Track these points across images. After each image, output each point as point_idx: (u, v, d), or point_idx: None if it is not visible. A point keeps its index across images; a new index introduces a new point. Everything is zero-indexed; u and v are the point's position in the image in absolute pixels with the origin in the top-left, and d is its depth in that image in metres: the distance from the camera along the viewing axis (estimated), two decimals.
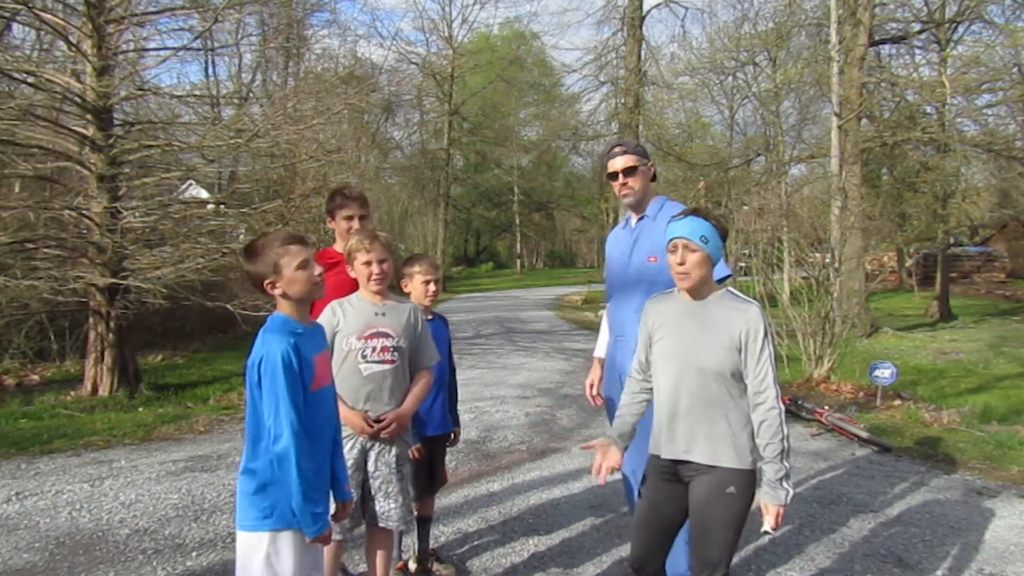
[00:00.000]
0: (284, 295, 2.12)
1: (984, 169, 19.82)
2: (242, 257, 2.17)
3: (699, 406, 2.27)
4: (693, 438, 2.29)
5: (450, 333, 3.39)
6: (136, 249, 7.90)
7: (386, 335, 2.67)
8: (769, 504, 2.20)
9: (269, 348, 2.01)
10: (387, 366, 2.66)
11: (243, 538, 2.08)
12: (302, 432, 2.01)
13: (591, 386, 3.26)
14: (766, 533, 2.21)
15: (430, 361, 2.84)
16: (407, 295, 3.14)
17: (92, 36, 7.56)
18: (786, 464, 2.20)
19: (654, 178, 3.10)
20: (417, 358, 2.79)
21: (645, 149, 3.13)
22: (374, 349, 2.66)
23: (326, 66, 21.38)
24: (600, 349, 3.29)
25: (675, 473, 2.37)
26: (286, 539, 2.06)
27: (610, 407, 3.08)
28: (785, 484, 2.19)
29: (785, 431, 2.21)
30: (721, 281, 2.86)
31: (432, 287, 3.11)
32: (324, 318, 2.63)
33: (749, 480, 2.27)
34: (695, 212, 2.32)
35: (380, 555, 2.71)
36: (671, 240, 2.29)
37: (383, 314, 2.70)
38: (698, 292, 2.33)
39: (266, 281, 2.10)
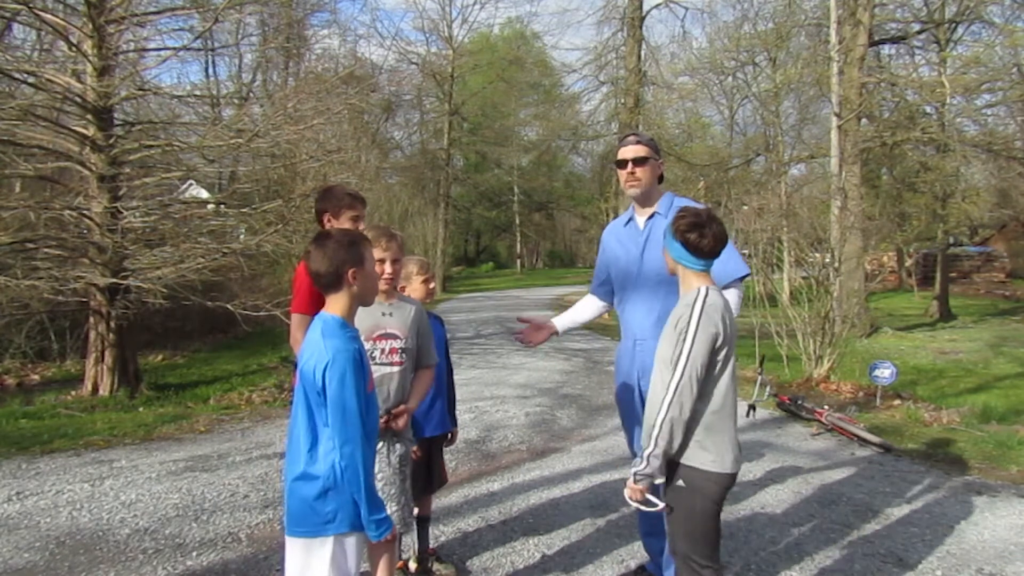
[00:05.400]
0: (362, 286, 2.09)
1: (984, 169, 19.85)
2: (325, 242, 2.07)
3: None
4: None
5: (446, 332, 3.39)
6: (136, 249, 7.90)
7: (394, 336, 2.67)
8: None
9: (336, 354, 1.96)
10: (395, 367, 2.66)
11: (301, 544, 2.04)
12: (367, 440, 2.00)
13: (526, 320, 3.30)
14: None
15: (432, 360, 2.85)
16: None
17: (92, 36, 7.57)
18: (648, 449, 2.25)
19: (661, 179, 3.06)
20: (420, 357, 2.80)
21: (659, 146, 3.09)
22: (383, 351, 2.65)
23: (326, 66, 21.43)
24: (560, 320, 3.31)
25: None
26: (351, 542, 2.06)
27: (623, 412, 3.07)
28: (637, 464, 2.27)
29: (660, 418, 2.23)
30: (741, 280, 2.85)
31: (431, 285, 3.17)
32: None
33: (702, 478, 2.30)
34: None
35: (384, 558, 2.68)
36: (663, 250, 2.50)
37: (390, 314, 2.70)
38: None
39: (351, 271, 2.05)
